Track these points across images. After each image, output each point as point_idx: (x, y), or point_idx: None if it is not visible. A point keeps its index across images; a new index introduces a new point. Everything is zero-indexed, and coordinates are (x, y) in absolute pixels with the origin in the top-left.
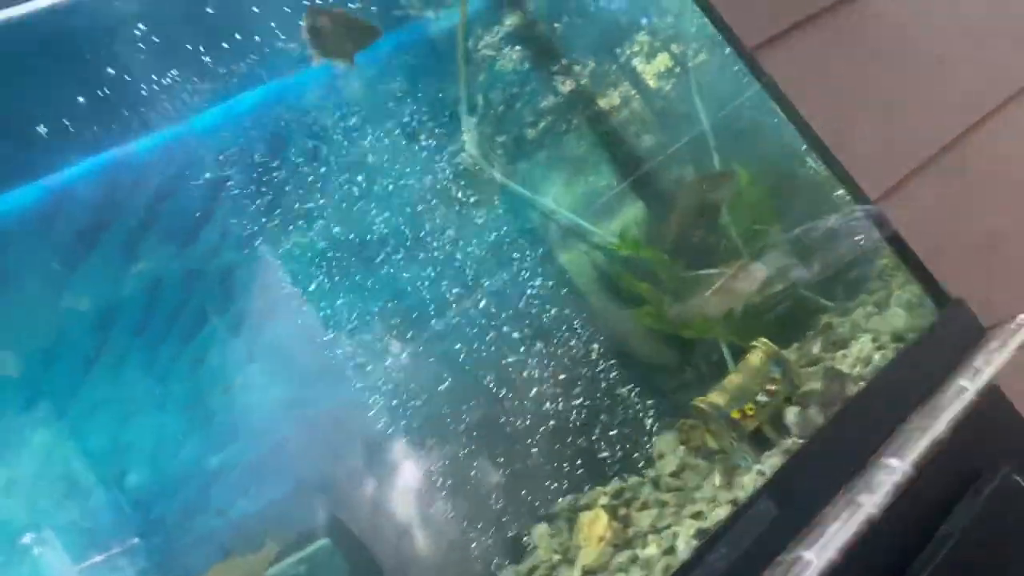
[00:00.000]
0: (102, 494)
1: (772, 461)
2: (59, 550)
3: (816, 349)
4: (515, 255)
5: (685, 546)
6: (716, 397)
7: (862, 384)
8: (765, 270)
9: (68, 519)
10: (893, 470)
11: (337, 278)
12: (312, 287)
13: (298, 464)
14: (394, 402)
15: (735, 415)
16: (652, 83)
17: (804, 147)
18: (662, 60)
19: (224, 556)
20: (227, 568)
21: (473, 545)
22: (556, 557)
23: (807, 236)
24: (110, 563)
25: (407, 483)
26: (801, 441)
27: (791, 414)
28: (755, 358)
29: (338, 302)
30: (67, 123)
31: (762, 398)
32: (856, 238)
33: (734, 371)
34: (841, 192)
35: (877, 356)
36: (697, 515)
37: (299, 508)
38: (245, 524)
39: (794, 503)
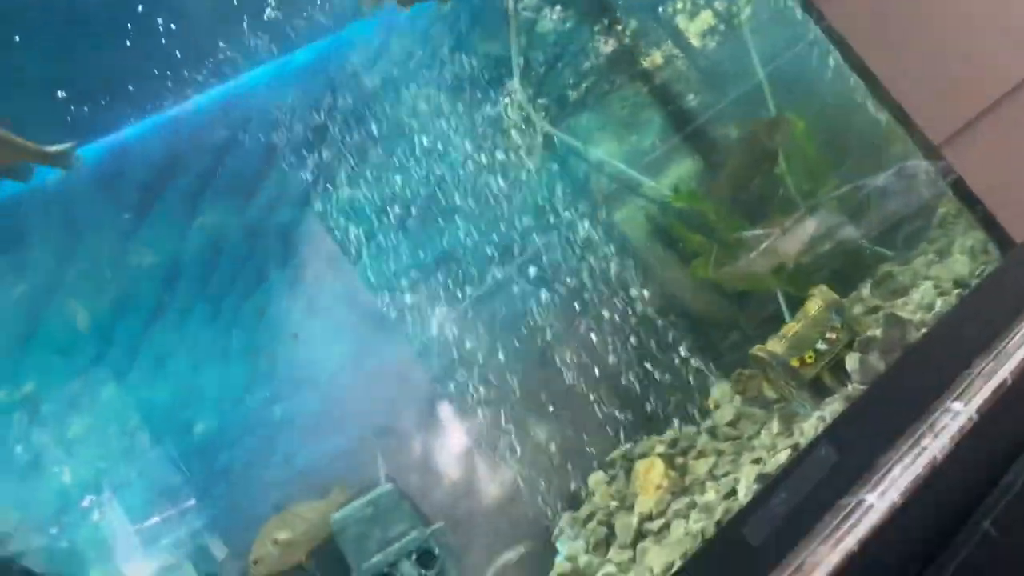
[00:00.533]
0: (170, 443)
1: (832, 407)
2: (129, 498)
3: (875, 297)
4: (569, 208)
5: (746, 491)
6: (774, 345)
7: (924, 330)
8: (812, 228)
9: (137, 468)
10: (957, 415)
11: (394, 231)
12: (370, 240)
13: (361, 414)
14: (453, 353)
15: (794, 363)
16: (704, 34)
17: (863, 95)
18: (714, 10)
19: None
20: (296, 512)
21: (531, 492)
22: (613, 504)
23: (865, 190)
24: (180, 509)
25: (467, 433)
26: (862, 387)
27: (852, 360)
28: (813, 306)
29: (396, 255)
30: (126, 82)
31: (821, 346)
32: (915, 190)
33: (792, 319)
34: (901, 140)
35: (939, 302)
36: (756, 461)
37: (363, 456)
38: (311, 472)
39: (856, 448)
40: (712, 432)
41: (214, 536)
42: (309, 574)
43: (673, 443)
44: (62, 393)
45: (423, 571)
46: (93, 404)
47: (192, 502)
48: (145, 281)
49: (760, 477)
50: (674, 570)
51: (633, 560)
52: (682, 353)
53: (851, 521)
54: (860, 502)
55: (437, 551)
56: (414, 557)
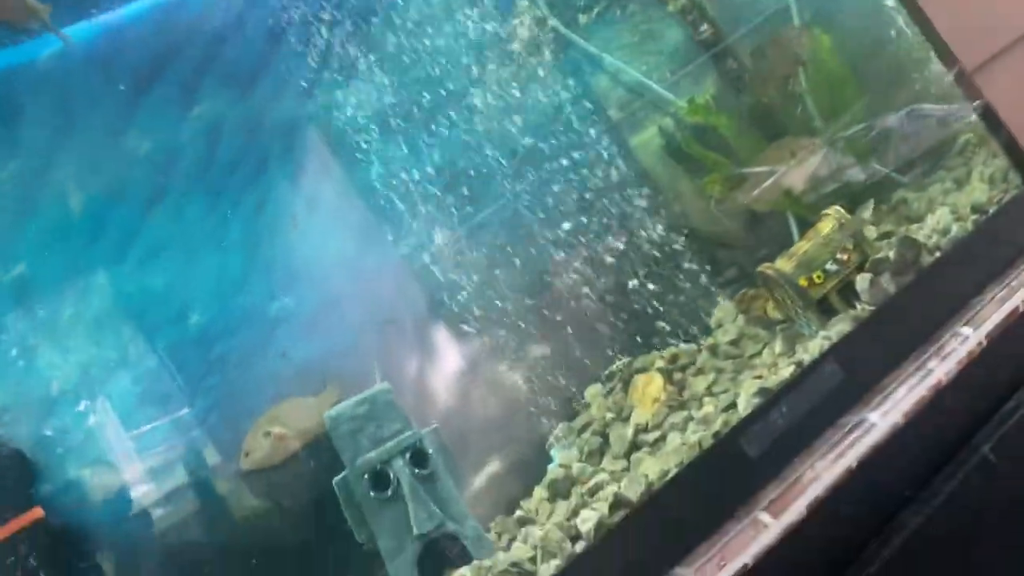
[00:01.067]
0: (164, 332)
1: (838, 328)
2: (120, 386)
3: (889, 223)
4: (581, 120)
5: (746, 404)
6: (783, 263)
7: (938, 254)
8: (820, 167)
9: (129, 355)
10: (965, 339)
11: (401, 131)
12: (374, 138)
13: (359, 313)
14: (456, 261)
15: (802, 282)
16: None
17: (895, 17)
18: None
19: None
20: (291, 407)
21: (528, 401)
22: (609, 415)
23: (876, 130)
24: (173, 398)
25: (466, 339)
26: (871, 308)
27: (862, 281)
28: (826, 226)
29: (401, 157)
30: None
31: (831, 266)
32: (927, 132)
33: (803, 238)
34: (930, 66)
35: (955, 227)
36: (758, 378)
37: (359, 355)
38: (307, 368)
39: (861, 367)
40: (713, 350)
41: (207, 426)
42: (301, 468)
43: (673, 359)
44: (53, 277)
45: (416, 470)
46: (85, 289)
47: (185, 392)
48: (141, 167)
49: (761, 391)
50: (669, 477)
51: (627, 469)
52: (687, 271)
53: (851, 439)
54: (862, 420)
55: (431, 451)
56: (408, 456)
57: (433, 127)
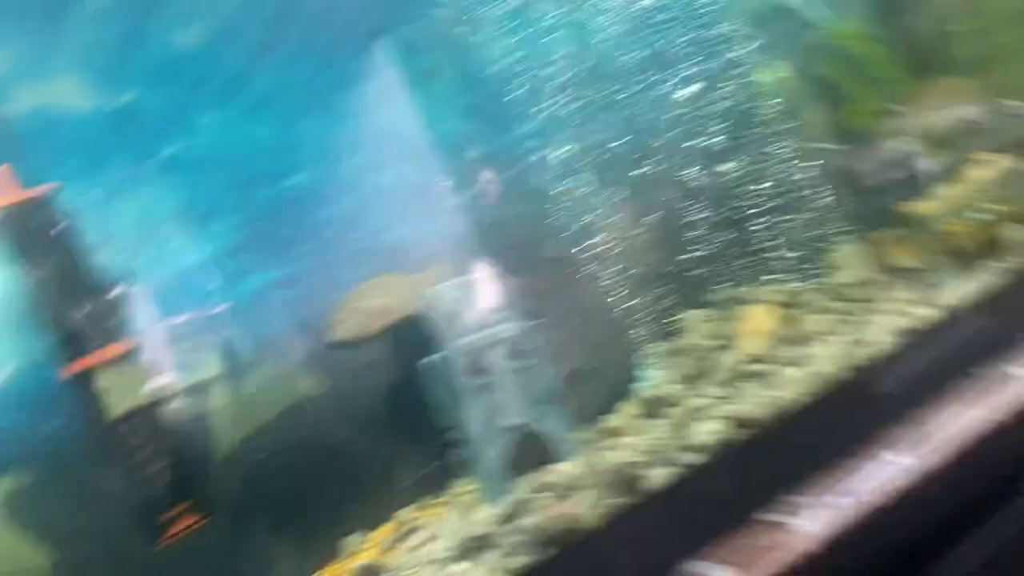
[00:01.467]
0: (266, 185)
1: (983, 278)
2: (215, 228)
3: None
4: (717, 29)
5: (875, 344)
6: (928, 206)
7: None
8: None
9: (228, 201)
10: None
11: (521, 19)
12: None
13: (468, 196)
14: (572, 166)
15: (949, 227)
16: None
17: None
18: None
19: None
20: (387, 282)
21: (624, 319)
22: (711, 342)
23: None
24: (267, 256)
25: (576, 247)
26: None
27: (1016, 232)
28: (981, 172)
29: (524, 51)
30: None
31: (980, 215)
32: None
33: (953, 182)
34: None
35: None
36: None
37: (463, 240)
38: (407, 246)
39: (1005, 320)
40: (831, 291)
41: (298, 291)
42: (389, 345)
43: (788, 295)
44: (161, 108)
45: (513, 362)
46: (191, 127)
47: (280, 253)
48: (257, 14)
49: (896, 332)
50: (795, 405)
51: (726, 398)
52: (812, 207)
53: (990, 391)
54: (1004, 374)
55: (530, 347)
56: (507, 347)
57: (555, 35)
